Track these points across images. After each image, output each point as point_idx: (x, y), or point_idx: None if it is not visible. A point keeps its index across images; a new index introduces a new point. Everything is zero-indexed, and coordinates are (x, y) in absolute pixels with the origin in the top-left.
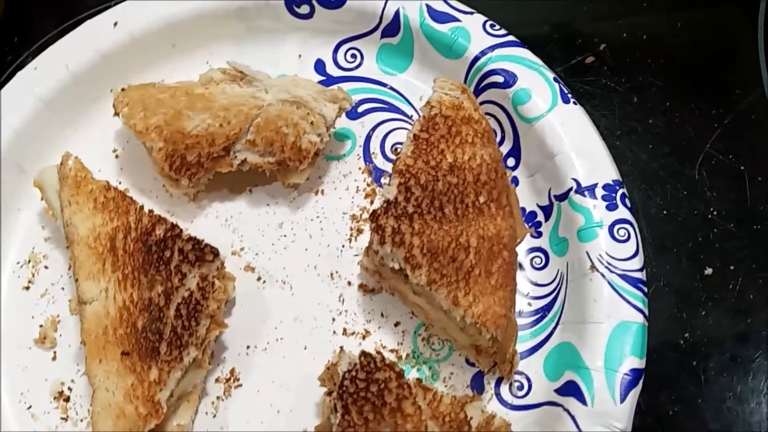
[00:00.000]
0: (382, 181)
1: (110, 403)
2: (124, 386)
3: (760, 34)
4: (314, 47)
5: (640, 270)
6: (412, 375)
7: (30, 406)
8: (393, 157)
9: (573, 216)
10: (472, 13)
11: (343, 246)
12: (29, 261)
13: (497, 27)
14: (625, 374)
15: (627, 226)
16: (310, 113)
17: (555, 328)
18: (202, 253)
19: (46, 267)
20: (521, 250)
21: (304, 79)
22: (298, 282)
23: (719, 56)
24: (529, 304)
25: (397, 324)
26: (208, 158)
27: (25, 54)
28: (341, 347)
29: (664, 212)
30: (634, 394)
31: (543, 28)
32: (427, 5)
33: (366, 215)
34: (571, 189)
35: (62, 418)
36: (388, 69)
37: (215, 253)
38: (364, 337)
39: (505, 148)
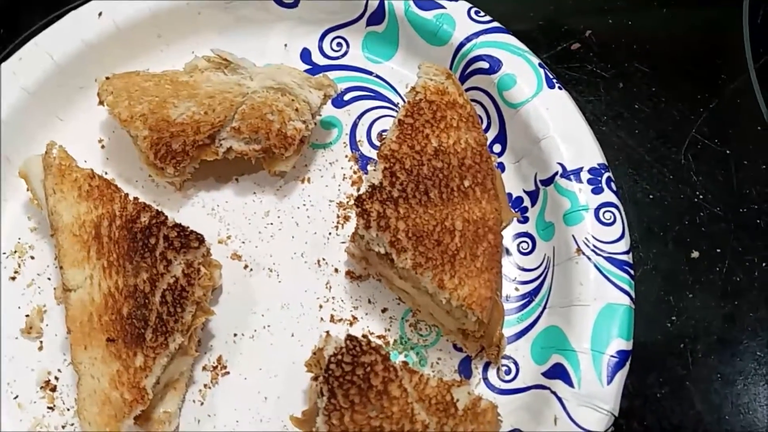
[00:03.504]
0: (369, 168)
1: (95, 390)
2: (109, 373)
3: (745, 18)
4: (300, 36)
5: (626, 252)
6: (399, 360)
7: (17, 396)
8: (379, 144)
9: (559, 200)
10: (456, 0)
11: (329, 233)
12: (15, 251)
13: (482, 13)
14: (612, 356)
15: (613, 209)
16: (295, 100)
17: (542, 312)
18: (188, 239)
19: (32, 257)
20: (508, 235)
21: (289, 67)
22: (285, 269)
23: (705, 41)
24: (517, 289)
25: (384, 310)
26: (194, 146)
27: (10, 45)
28: (327, 332)
29: (651, 197)
30: (621, 375)
31: (528, 15)
32: None
33: (352, 202)
34: (556, 173)
35: (49, 408)
36: (373, 57)
37: (200, 239)
38: (351, 324)
39: (491, 134)
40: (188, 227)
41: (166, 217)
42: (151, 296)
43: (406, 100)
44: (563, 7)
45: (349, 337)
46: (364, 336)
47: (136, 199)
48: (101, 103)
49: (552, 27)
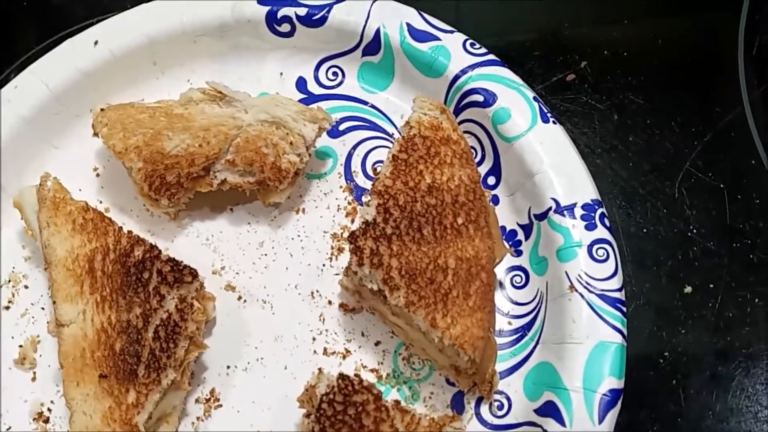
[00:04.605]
0: (363, 199)
1: (87, 427)
2: (101, 409)
3: (740, 51)
4: (296, 65)
5: (619, 290)
6: (392, 395)
7: (9, 428)
8: (374, 175)
9: (552, 235)
10: (452, 32)
11: (323, 265)
12: (9, 281)
13: (477, 46)
14: (604, 395)
15: (606, 246)
16: (290, 133)
17: (535, 347)
18: (181, 274)
19: (26, 287)
20: (502, 268)
21: (284, 98)
22: (279, 301)
23: (700, 74)
24: (510, 323)
25: (377, 343)
26: (188, 178)
27: (5, 72)
28: (320, 369)
29: (644, 230)
30: (613, 414)
31: (523, 46)
32: (407, 24)
33: (347, 234)
34: (550, 208)
35: None
36: (369, 87)
37: (194, 274)
38: (344, 357)
39: (485, 167)
40: (182, 261)
41: (160, 251)
42: (143, 332)
43: (401, 133)
44: (559, 39)
45: (341, 376)
46: (356, 374)
47: (130, 232)
48: (96, 134)
49: (547, 58)
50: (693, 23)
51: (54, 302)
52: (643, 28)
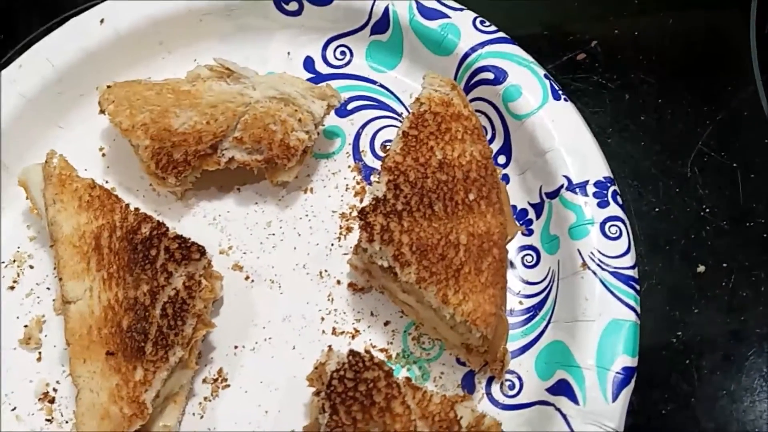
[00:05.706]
0: (372, 179)
1: (94, 404)
2: (108, 387)
3: (752, 30)
4: (303, 45)
5: (632, 267)
6: (402, 375)
7: (14, 408)
8: (383, 154)
9: (564, 213)
10: (462, 10)
11: (332, 244)
12: (14, 260)
13: (487, 23)
14: (617, 373)
15: (618, 223)
16: (298, 110)
17: (546, 326)
18: (189, 251)
19: (31, 267)
20: (512, 248)
21: (292, 76)
22: (287, 281)
23: (711, 53)
24: (521, 303)
25: (387, 323)
26: (195, 156)
27: (11, 52)
28: (329, 346)
29: (656, 210)
30: (626, 392)
31: (534, 25)
32: (416, 1)
33: (355, 213)
34: (562, 186)
35: (47, 420)
36: (377, 66)
37: (202, 251)
38: (353, 337)
39: (495, 146)
40: (189, 239)
41: (167, 228)
42: (151, 309)
43: (410, 111)
44: (569, 17)
45: (352, 353)
46: (366, 350)
47: (136, 209)
48: (102, 111)
49: (558, 37)
50: (705, 2)
51: (60, 279)
52: (654, 8)
